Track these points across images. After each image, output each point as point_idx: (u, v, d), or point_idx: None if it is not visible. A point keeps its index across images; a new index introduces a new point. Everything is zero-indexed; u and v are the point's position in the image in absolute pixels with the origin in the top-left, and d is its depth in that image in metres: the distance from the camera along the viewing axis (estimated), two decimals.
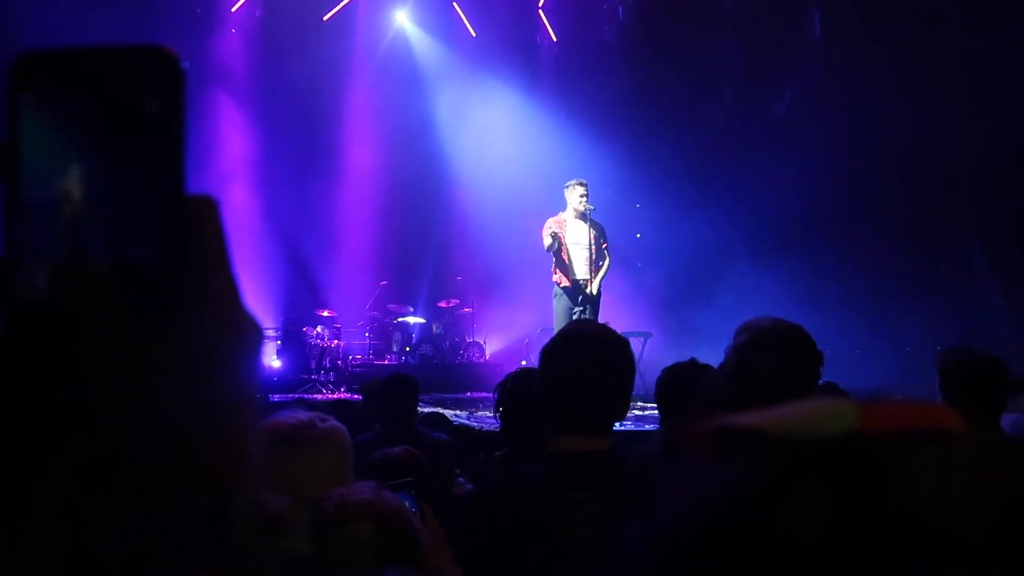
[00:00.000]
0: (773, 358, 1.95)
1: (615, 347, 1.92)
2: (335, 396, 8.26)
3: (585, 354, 1.87)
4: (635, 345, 9.04)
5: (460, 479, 3.43)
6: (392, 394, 3.86)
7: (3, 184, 0.43)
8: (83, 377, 0.42)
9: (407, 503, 1.53)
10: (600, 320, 6.66)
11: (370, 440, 3.45)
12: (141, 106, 0.43)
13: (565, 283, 7.02)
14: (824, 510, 0.34)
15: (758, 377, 1.54)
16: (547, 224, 7.15)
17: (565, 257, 7.03)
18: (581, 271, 7.01)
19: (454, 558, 1.59)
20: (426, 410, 5.37)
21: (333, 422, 1.60)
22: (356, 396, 7.47)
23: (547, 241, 6.99)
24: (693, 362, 2.70)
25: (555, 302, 7.08)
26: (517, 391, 2.48)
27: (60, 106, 0.43)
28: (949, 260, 9.62)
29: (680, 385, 2.61)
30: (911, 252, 9.70)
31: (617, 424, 1.97)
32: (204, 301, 0.44)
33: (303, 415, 1.63)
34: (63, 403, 0.42)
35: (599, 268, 7.10)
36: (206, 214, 0.44)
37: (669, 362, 2.84)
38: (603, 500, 1.71)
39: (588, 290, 6.98)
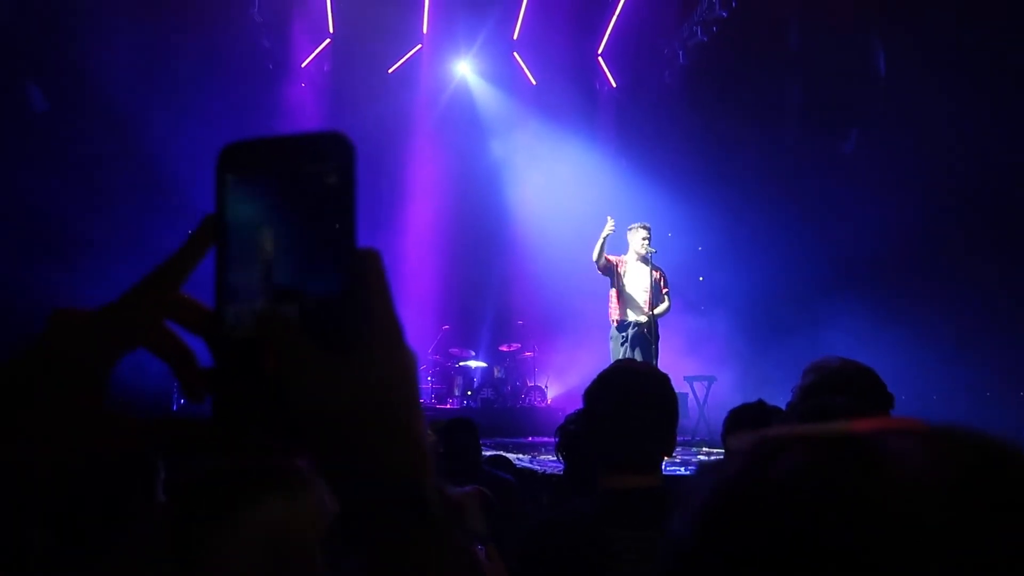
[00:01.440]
0: (847, 399, 1.90)
1: (654, 384, 1.92)
2: None
3: (623, 393, 1.88)
4: (699, 389, 8.91)
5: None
6: (453, 436, 3.89)
7: (214, 247, 0.53)
8: (282, 400, 0.51)
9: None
10: (663, 363, 6.59)
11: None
12: (323, 179, 0.53)
13: (616, 318, 7.01)
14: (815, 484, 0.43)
15: (832, 418, 1.50)
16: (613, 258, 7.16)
17: (616, 294, 7.03)
18: (640, 314, 6.96)
19: None
20: (488, 453, 5.35)
21: None
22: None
23: (596, 254, 6.97)
24: (761, 403, 2.65)
25: (611, 344, 7.04)
26: (579, 431, 2.47)
27: (260, 183, 0.53)
28: (1007, 314, 9.24)
29: (748, 426, 2.56)
30: (991, 292, 9.35)
31: (672, 464, 1.95)
32: (375, 334, 0.53)
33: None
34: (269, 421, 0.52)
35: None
36: (373, 263, 0.53)
37: (735, 406, 2.79)
38: (649, 537, 1.69)
39: (645, 330, 6.91)
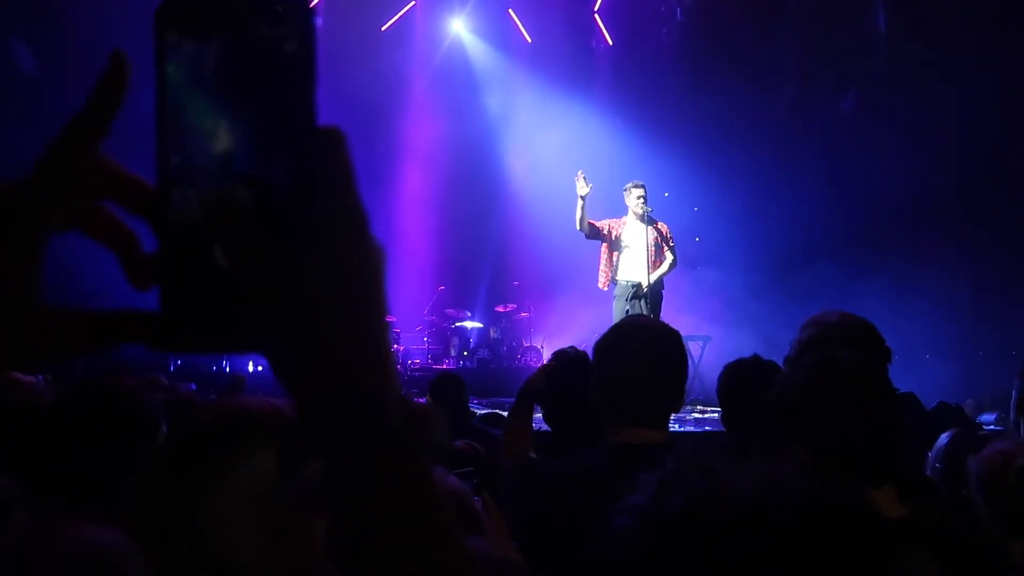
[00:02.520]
0: (851, 352, 1.90)
1: (667, 339, 1.93)
2: None
3: (638, 347, 1.88)
4: (694, 349, 8.94)
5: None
6: (440, 393, 3.99)
7: (155, 120, 0.47)
8: (230, 290, 0.47)
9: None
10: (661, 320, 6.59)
11: None
12: (279, 44, 0.47)
13: (603, 281, 6.99)
14: None
15: (845, 372, 1.51)
16: (604, 220, 7.12)
17: (605, 256, 6.99)
18: (639, 273, 6.95)
19: (514, 545, 1.60)
20: (483, 412, 5.39)
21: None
22: (416, 399, 7.54)
23: (578, 221, 6.88)
24: (757, 358, 2.66)
25: (614, 303, 7.04)
26: (548, 390, 2.47)
27: (204, 46, 0.46)
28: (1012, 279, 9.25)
29: (744, 381, 2.57)
30: (988, 254, 9.37)
31: (675, 424, 1.97)
32: (335, 223, 0.48)
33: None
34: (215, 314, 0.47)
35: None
36: (336, 144, 0.48)
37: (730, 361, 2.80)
38: None
39: (644, 288, 6.90)
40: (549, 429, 2.70)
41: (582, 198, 6.80)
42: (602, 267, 7.09)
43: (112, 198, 0.49)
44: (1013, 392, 2.71)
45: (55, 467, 1.49)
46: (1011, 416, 2.73)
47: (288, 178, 0.47)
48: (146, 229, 0.48)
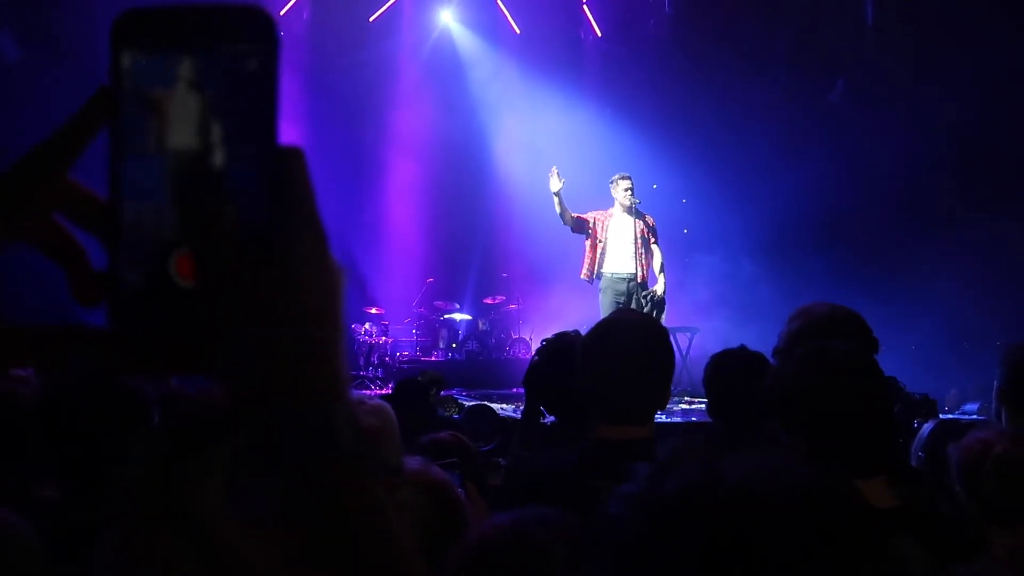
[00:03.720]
0: (842, 343, 1.91)
1: (654, 336, 1.93)
2: (383, 392, 8.36)
3: (624, 344, 1.88)
4: (682, 341, 8.98)
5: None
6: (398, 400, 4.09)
7: (107, 128, 0.46)
8: (190, 311, 0.46)
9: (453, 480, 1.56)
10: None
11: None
12: (240, 62, 0.46)
13: (584, 275, 7.00)
14: None
15: (836, 363, 1.52)
16: (590, 212, 7.14)
17: (589, 247, 7.00)
18: (627, 265, 6.97)
19: None
20: (471, 403, 5.40)
21: (379, 399, 1.66)
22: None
23: (559, 215, 6.91)
24: (744, 348, 2.68)
25: (600, 296, 7.06)
26: (550, 360, 2.48)
27: (163, 61, 0.45)
28: (1008, 253, 9.33)
29: (731, 370, 2.59)
30: (975, 245, 9.43)
31: (662, 415, 1.98)
32: (296, 243, 0.47)
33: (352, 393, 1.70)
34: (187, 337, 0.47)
35: (647, 263, 7.04)
36: (296, 163, 0.48)
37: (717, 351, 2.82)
38: None
39: (636, 284, 6.92)
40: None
41: (556, 194, 6.82)
42: (585, 259, 7.11)
43: (61, 211, 0.48)
44: (995, 381, 2.74)
45: (47, 457, 1.49)
46: (993, 405, 2.75)
47: (249, 196, 0.46)
48: (95, 244, 0.47)
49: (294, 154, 0.48)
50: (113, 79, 0.45)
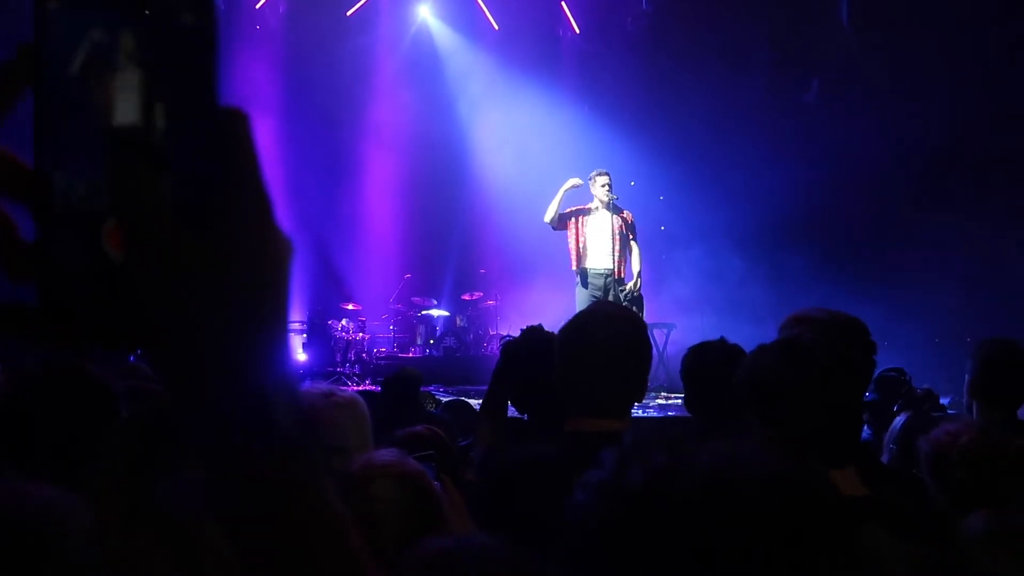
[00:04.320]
0: (817, 336, 1.92)
1: (632, 329, 1.92)
2: (360, 388, 8.31)
3: (603, 336, 1.86)
4: (659, 336, 9.02)
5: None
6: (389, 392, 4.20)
7: (31, 89, 0.42)
8: (124, 285, 0.43)
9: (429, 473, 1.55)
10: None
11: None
12: (176, 16, 0.42)
13: (574, 267, 7.04)
14: None
15: (809, 355, 1.53)
16: (569, 210, 7.17)
17: (572, 242, 7.04)
18: (604, 261, 6.99)
19: (474, 528, 1.61)
20: (448, 399, 5.39)
21: (352, 391, 1.65)
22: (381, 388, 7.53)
23: (548, 214, 7.03)
24: (723, 341, 2.68)
25: (577, 292, 7.08)
26: (520, 354, 2.47)
27: (91, 16, 0.42)
28: (979, 251, 9.46)
29: (709, 362, 2.59)
30: (946, 244, 9.55)
31: (638, 409, 1.98)
32: (238, 212, 0.45)
33: (323, 385, 1.70)
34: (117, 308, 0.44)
35: (626, 259, 7.07)
36: (238, 126, 0.45)
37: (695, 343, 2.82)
38: None
39: (613, 280, 6.95)
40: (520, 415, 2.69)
41: (565, 191, 6.93)
42: (572, 253, 7.14)
43: None
44: (966, 375, 2.77)
45: (14, 450, 1.46)
46: (964, 399, 2.79)
47: (187, 162, 0.43)
48: (24, 215, 0.44)
49: (237, 116, 0.45)
50: (37, 37, 0.42)
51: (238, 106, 0.45)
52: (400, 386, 4.26)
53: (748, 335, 2.45)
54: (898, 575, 0.50)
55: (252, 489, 0.45)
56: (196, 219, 0.43)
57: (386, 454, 1.38)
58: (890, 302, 8.95)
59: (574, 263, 7.11)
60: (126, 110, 0.42)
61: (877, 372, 3.99)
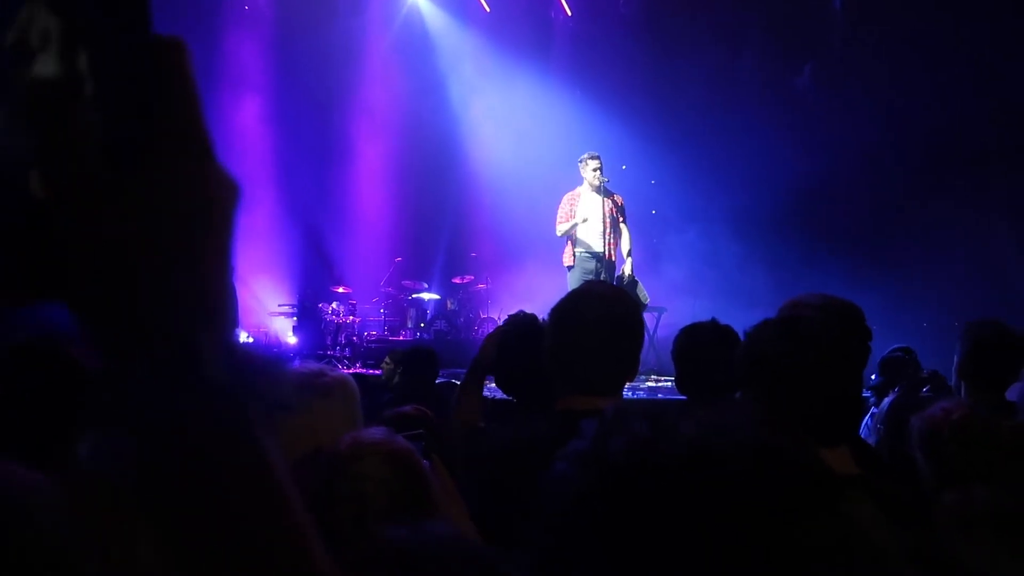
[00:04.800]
0: (818, 314, 1.91)
1: (625, 307, 1.92)
2: (351, 371, 8.30)
3: (596, 314, 1.86)
4: (649, 320, 9.04)
5: None
6: (411, 363, 4.15)
7: None
8: (45, 231, 0.40)
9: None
10: None
11: (389, 401, 3.62)
12: None
13: (570, 262, 7.03)
14: None
15: (809, 333, 1.53)
16: (562, 202, 7.15)
17: (575, 235, 7.05)
18: (596, 244, 6.99)
19: (464, 507, 1.60)
20: (439, 381, 5.39)
21: (342, 371, 1.64)
22: (372, 371, 7.52)
23: (561, 228, 7.01)
24: (714, 322, 2.69)
25: (568, 275, 7.08)
26: (509, 339, 2.47)
27: None
28: (966, 247, 9.49)
29: (700, 344, 2.60)
30: (937, 229, 9.59)
31: (628, 391, 1.97)
32: (173, 150, 0.41)
33: (314, 365, 1.69)
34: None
35: (616, 242, 7.07)
36: (176, 56, 0.41)
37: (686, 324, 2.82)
38: None
39: (604, 262, 6.95)
40: (507, 397, 2.69)
41: (575, 225, 6.92)
42: (567, 249, 7.12)
43: None
44: (955, 357, 2.79)
45: None
46: (952, 381, 2.81)
47: (118, 95, 0.39)
48: None
49: (172, 45, 0.41)
50: None
51: (174, 35, 0.41)
52: (424, 356, 4.41)
53: (741, 319, 2.44)
54: (881, 546, 0.49)
55: (179, 453, 0.41)
56: (125, 158, 0.40)
57: (375, 432, 1.37)
58: (887, 288, 8.98)
59: (568, 258, 7.09)
60: (42, 36, 0.39)
61: (884, 353, 4.02)
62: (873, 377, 3.91)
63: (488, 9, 11.24)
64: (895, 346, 4.16)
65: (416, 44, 11.24)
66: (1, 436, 1.45)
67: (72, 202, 0.39)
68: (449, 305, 10.04)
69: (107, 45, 0.39)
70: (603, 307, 1.88)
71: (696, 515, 0.50)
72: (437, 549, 0.98)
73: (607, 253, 6.99)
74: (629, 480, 0.52)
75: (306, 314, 9.53)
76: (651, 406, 0.60)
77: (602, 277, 6.84)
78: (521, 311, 2.58)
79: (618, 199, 7.19)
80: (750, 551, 0.48)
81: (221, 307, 0.43)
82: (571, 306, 1.92)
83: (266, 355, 0.45)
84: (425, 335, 9.68)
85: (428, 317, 10.03)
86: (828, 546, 0.49)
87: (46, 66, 0.39)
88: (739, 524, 0.49)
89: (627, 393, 5.87)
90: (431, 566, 0.95)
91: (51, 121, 0.39)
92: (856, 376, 1.64)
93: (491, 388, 6.22)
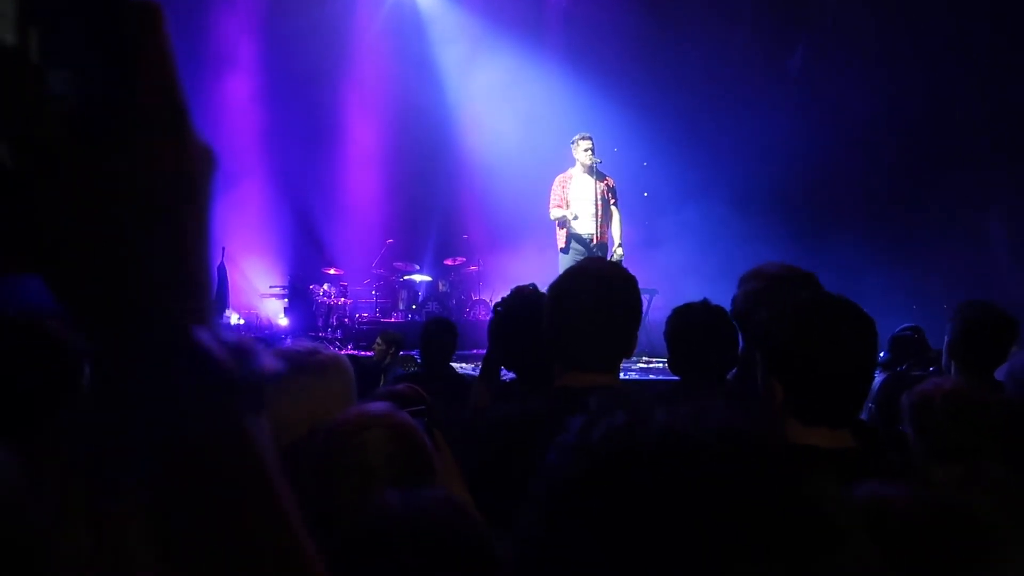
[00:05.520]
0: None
1: (622, 284, 1.92)
2: (343, 352, 8.30)
3: (592, 291, 1.87)
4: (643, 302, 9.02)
5: None
6: (430, 335, 4.40)
7: None
8: (22, 206, 0.39)
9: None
10: None
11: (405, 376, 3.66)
12: None
13: (563, 245, 7.03)
14: None
15: (835, 311, 1.53)
16: (554, 185, 7.13)
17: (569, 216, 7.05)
18: (587, 226, 6.99)
19: (464, 483, 1.62)
20: None
21: (335, 352, 1.65)
22: (364, 352, 7.52)
23: (554, 213, 7.01)
24: (706, 303, 2.71)
25: (560, 257, 7.07)
26: (512, 313, 2.48)
27: None
28: (961, 224, 9.54)
29: (692, 325, 2.62)
30: (921, 214, 9.63)
31: (624, 366, 1.98)
32: (148, 118, 0.40)
33: (306, 344, 1.70)
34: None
35: (606, 225, 7.07)
36: (151, 21, 0.40)
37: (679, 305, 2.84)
38: None
39: (594, 244, 6.95)
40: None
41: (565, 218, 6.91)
42: (560, 233, 7.12)
43: None
44: (945, 337, 2.82)
45: None
46: (943, 361, 2.84)
47: (92, 64, 0.38)
48: None
49: (146, 9, 0.40)
50: None
51: (150, 1, 0.40)
52: (444, 326, 4.52)
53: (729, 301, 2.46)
54: (841, 524, 0.52)
55: (163, 438, 0.40)
56: (98, 127, 0.39)
57: (379, 406, 1.38)
58: (877, 268, 9.04)
59: (562, 240, 7.08)
60: (4, 14, 0.38)
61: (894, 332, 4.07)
62: (882, 355, 3.97)
63: None
64: (904, 325, 4.22)
65: (407, 22, 11.15)
66: None
67: (42, 173, 0.39)
68: (441, 287, 10.04)
69: (81, 9, 0.38)
70: (599, 284, 1.88)
71: (667, 496, 0.52)
72: (426, 516, 1.00)
73: (598, 235, 6.99)
74: (606, 465, 0.55)
75: (297, 296, 9.52)
76: (638, 395, 0.63)
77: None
78: (523, 285, 2.58)
79: (610, 181, 7.19)
80: (716, 529, 0.50)
81: (201, 281, 0.42)
82: (567, 284, 1.92)
83: (244, 336, 0.44)
84: (417, 317, 9.68)
85: (420, 299, 10.03)
86: (788, 522, 0.51)
87: (3, 33, 0.38)
88: (705, 503, 0.51)
89: (621, 374, 5.89)
90: (418, 531, 0.97)
91: (10, 90, 0.38)
92: (872, 351, 1.63)
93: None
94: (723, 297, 2.78)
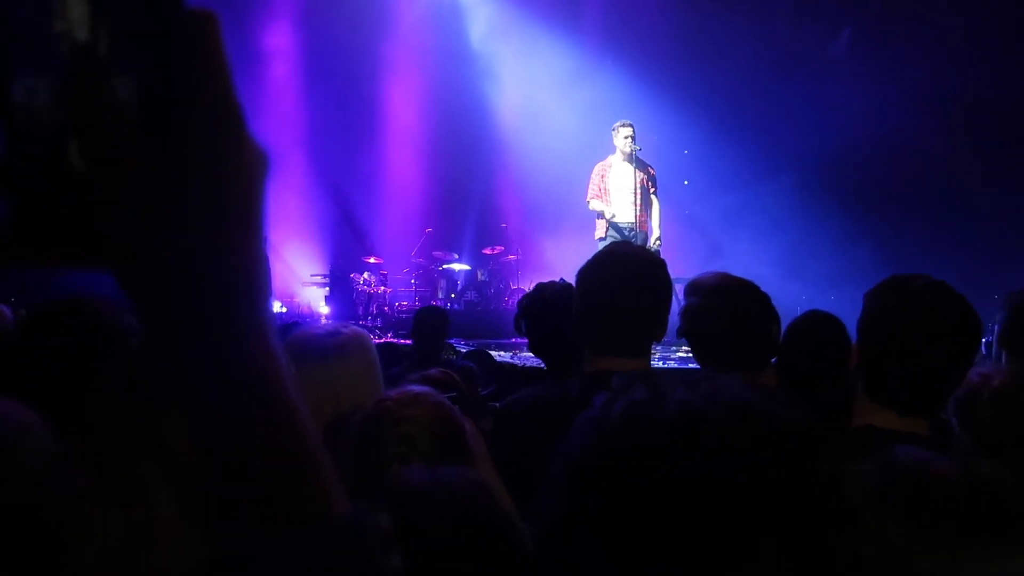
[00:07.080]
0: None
1: (652, 268, 1.90)
2: (382, 340, 8.37)
3: (622, 274, 1.85)
4: (679, 291, 8.95)
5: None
6: (419, 325, 4.26)
7: None
8: (85, 197, 0.41)
9: None
10: None
11: (400, 372, 3.63)
12: None
13: (601, 235, 6.99)
14: None
15: (935, 306, 1.52)
16: (593, 174, 7.09)
17: (607, 202, 7.00)
18: (626, 215, 6.94)
19: (494, 468, 1.61)
20: (465, 349, 5.42)
21: (356, 327, 1.69)
22: (403, 340, 7.58)
23: (594, 204, 7.01)
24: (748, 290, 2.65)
25: (599, 245, 7.03)
26: (537, 305, 2.46)
27: None
28: (1004, 210, 9.27)
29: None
30: (976, 195, 9.38)
31: (659, 361, 1.96)
32: (206, 121, 0.42)
33: (327, 325, 1.73)
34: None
35: (646, 214, 7.01)
36: (206, 28, 0.42)
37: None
38: None
39: (634, 232, 6.90)
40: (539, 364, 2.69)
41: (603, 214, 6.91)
42: (600, 223, 7.08)
43: None
44: (995, 325, 2.73)
45: (24, 388, 1.48)
46: (993, 349, 2.76)
47: (152, 68, 0.40)
48: None
49: (204, 18, 0.42)
50: None
51: (205, 8, 0.42)
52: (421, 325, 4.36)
53: (774, 288, 2.41)
54: (852, 499, 0.52)
55: (226, 429, 0.44)
56: (159, 130, 0.41)
57: (421, 387, 1.42)
58: (924, 254, 8.84)
59: (600, 231, 7.05)
60: (77, 21, 0.39)
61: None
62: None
63: None
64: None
65: (447, 11, 11.16)
66: (25, 390, 1.48)
67: (108, 172, 0.40)
68: (479, 276, 10.06)
69: (140, 18, 0.40)
70: (628, 267, 1.86)
71: (682, 470, 0.52)
72: (450, 492, 1.01)
73: (638, 224, 6.93)
74: (623, 439, 0.55)
75: (337, 284, 9.63)
76: (663, 376, 0.63)
77: None
78: (547, 283, 2.56)
79: (651, 170, 7.12)
80: (729, 504, 0.50)
81: (257, 278, 0.44)
82: (596, 267, 1.91)
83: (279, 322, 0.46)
84: (455, 305, 9.73)
85: (458, 288, 10.07)
86: (802, 498, 0.51)
87: (80, 39, 0.40)
88: (719, 478, 0.51)
89: (657, 363, 5.86)
90: (441, 506, 0.98)
91: (85, 92, 0.39)
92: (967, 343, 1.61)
93: (524, 356, 6.24)
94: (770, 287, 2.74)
